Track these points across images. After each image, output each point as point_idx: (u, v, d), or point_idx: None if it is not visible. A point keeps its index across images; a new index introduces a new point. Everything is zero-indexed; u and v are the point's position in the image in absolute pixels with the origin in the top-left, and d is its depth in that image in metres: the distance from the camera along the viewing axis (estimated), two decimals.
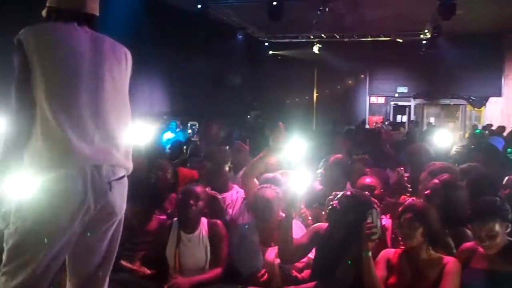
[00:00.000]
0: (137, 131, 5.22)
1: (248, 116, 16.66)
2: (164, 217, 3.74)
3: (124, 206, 2.42)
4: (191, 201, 3.36)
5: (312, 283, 2.96)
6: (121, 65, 2.48)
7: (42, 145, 2.18)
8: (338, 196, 3.07)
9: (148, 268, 3.27)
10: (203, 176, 4.18)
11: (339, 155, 4.30)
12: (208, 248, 3.35)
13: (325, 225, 3.17)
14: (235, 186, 4.07)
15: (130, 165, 2.45)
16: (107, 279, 2.47)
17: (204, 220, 3.44)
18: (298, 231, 3.29)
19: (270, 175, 3.72)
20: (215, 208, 3.66)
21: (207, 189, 3.68)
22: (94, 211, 2.25)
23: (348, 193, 3.09)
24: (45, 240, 2.13)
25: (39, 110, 2.19)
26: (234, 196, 3.98)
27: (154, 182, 4.10)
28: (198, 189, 3.49)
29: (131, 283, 3.30)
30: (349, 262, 2.87)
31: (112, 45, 2.47)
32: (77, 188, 2.18)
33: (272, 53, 18.44)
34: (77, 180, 2.19)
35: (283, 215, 3.31)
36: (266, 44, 17.90)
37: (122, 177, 2.39)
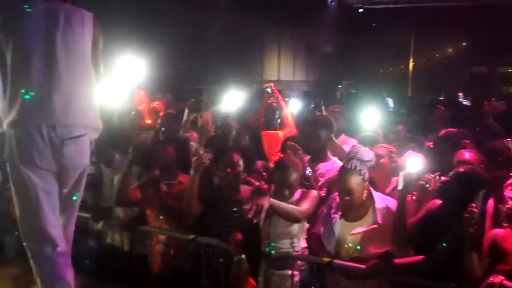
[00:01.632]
0: (230, 97, 5.31)
1: (339, 86, 16.36)
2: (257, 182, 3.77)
3: (83, 161, 2.85)
4: (286, 170, 3.35)
5: (420, 257, 2.88)
6: (77, 30, 2.78)
7: (7, 106, 2.68)
8: (452, 172, 2.95)
9: (241, 232, 3.32)
10: (301, 143, 4.15)
11: (449, 130, 4.08)
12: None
13: (438, 201, 3.07)
14: (333, 159, 3.94)
15: (93, 124, 2.86)
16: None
17: (299, 190, 3.42)
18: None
19: (354, 150, 3.61)
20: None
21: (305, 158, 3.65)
22: (55, 164, 2.71)
23: (461, 169, 2.96)
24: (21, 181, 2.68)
25: (7, 78, 2.69)
26: (329, 166, 3.86)
27: (243, 149, 4.10)
28: (289, 161, 3.44)
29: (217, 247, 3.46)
30: (444, 244, 2.77)
31: (67, 13, 2.77)
32: (35, 144, 2.64)
33: (366, 21, 17.84)
34: (35, 137, 2.64)
35: (375, 193, 3.25)
36: (360, 11, 17.33)
37: (80, 135, 2.77)
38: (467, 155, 3.63)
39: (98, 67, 2.97)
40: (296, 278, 3.26)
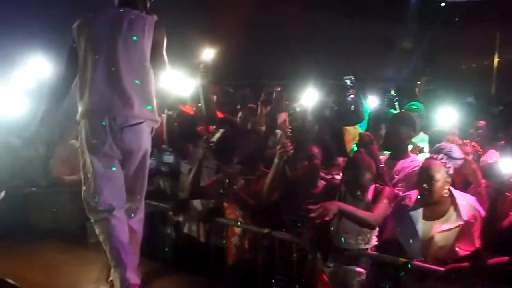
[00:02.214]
0: (308, 94, 5.31)
1: (418, 82, 15.79)
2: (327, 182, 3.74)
3: (142, 145, 3.20)
4: (358, 170, 3.29)
5: (505, 258, 2.75)
6: (137, 34, 3.14)
7: (78, 99, 3.19)
8: None
9: (314, 228, 3.33)
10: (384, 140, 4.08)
11: None
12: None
13: None
14: (413, 156, 3.87)
15: (149, 115, 3.19)
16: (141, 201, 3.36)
17: (371, 187, 3.36)
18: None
19: (445, 144, 3.49)
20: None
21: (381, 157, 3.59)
22: (117, 149, 3.12)
23: None
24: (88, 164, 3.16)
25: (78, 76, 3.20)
26: (406, 164, 3.78)
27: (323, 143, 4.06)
28: (361, 160, 3.35)
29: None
30: None
31: (130, 20, 3.16)
32: (98, 131, 3.09)
33: (448, 14, 17.09)
34: (99, 127, 3.09)
35: (454, 191, 3.12)
36: (442, 4, 16.62)
37: (136, 123, 3.14)
38: None
39: (161, 65, 3.28)
40: (364, 276, 3.19)
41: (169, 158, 4.55)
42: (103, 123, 3.10)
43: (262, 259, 3.67)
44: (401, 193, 3.48)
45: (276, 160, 3.50)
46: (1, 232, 4.57)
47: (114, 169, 3.19)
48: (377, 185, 3.38)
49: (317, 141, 3.74)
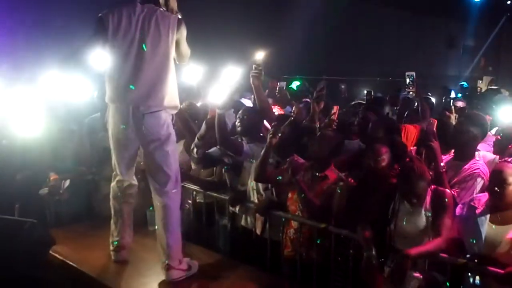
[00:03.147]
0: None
1: (480, 81, 15.25)
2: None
3: (161, 131, 3.53)
4: (412, 180, 3.23)
5: None
6: (162, 33, 3.45)
7: (107, 89, 3.61)
8: None
9: (373, 227, 3.29)
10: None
11: None
12: (429, 216, 3.21)
13: None
14: (477, 158, 3.71)
15: (169, 103, 3.53)
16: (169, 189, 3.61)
17: (430, 190, 3.29)
18: None
19: None
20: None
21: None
22: (137, 134, 3.52)
23: None
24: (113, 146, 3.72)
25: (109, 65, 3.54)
26: (467, 166, 3.65)
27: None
28: (414, 169, 3.26)
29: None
30: None
31: (157, 18, 3.45)
32: (123, 117, 3.52)
33: None
34: (123, 112, 3.51)
35: None
36: (508, 2, 15.93)
37: (157, 111, 3.50)
38: None
39: (182, 58, 3.71)
40: (421, 281, 3.08)
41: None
42: (127, 110, 3.50)
43: (318, 254, 3.68)
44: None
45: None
46: (66, 218, 4.79)
47: (131, 150, 3.71)
48: (436, 187, 3.31)
49: (384, 141, 3.68)
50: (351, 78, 10.19)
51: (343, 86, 4.67)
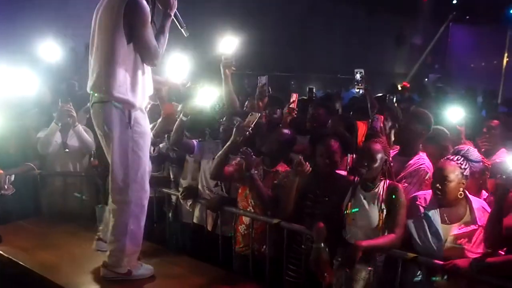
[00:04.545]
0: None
1: (426, 79, 15.76)
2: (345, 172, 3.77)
3: (104, 126, 3.28)
4: (365, 161, 3.31)
5: (502, 258, 2.83)
6: (109, 13, 3.16)
7: None
8: None
9: (325, 220, 3.35)
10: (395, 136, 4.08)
11: None
12: (383, 209, 3.26)
13: None
14: (421, 154, 3.83)
15: (111, 97, 3.23)
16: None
17: (383, 181, 3.36)
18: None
19: (463, 146, 3.48)
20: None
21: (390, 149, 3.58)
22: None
23: None
24: None
25: None
26: (413, 161, 3.75)
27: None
28: (375, 147, 3.35)
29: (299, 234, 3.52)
30: None
31: (107, 2, 3.20)
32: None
33: (459, 12, 16.97)
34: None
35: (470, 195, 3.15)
36: (454, 2, 16.51)
37: (98, 102, 3.29)
38: None
39: (141, 48, 3.24)
40: (371, 273, 3.17)
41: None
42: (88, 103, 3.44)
43: (270, 249, 3.73)
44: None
45: (291, 176, 3.56)
46: (13, 214, 4.65)
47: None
48: (390, 182, 3.38)
49: (335, 135, 3.73)
50: (297, 74, 10.34)
51: (263, 78, 4.64)
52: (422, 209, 3.23)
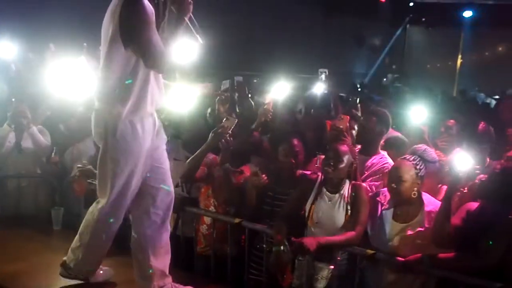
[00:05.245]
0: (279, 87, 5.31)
1: (384, 79, 16.10)
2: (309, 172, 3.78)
3: (95, 136, 3.04)
4: (331, 161, 3.33)
5: (451, 254, 2.88)
6: (108, 16, 2.84)
7: None
8: (489, 170, 2.91)
9: (288, 222, 3.34)
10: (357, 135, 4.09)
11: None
12: (348, 210, 3.28)
13: (475, 204, 3.02)
14: (382, 153, 3.89)
15: (97, 102, 2.98)
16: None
17: (348, 182, 3.39)
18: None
19: (420, 146, 3.55)
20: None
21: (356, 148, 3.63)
22: None
23: (498, 166, 2.90)
24: None
25: None
26: (376, 160, 3.81)
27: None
28: (342, 148, 3.38)
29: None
30: (490, 243, 2.74)
31: (112, 5, 2.84)
32: None
33: (416, 14, 17.41)
34: None
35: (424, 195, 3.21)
36: (411, 4, 16.90)
37: (95, 109, 3.01)
38: None
39: (139, 52, 2.86)
40: (334, 271, 3.21)
41: None
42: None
43: (232, 249, 3.71)
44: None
45: (248, 186, 3.58)
46: None
47: None
48: (354, 182, 3.41)
49: (298, 135, 3.75)
50: (258, 75, 10.34)
51: (226, 83, 4.61)
52: (380, 206, 3.28)
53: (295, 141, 3.60)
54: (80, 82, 4.30)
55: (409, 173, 3.13)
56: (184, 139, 4.10)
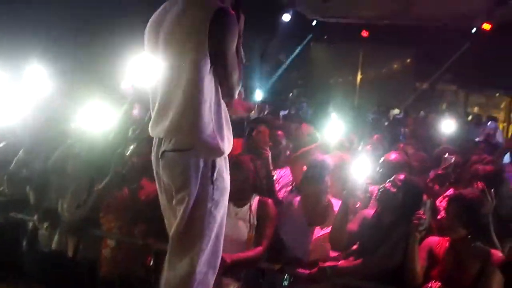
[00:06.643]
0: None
1: (291, 94, 16.59)
2: None
3: (178, 183, 2.34)
4: (239, 175, 3.29)
5: (358, 261, 2.99)
6: (187, 29, 2.29)
7: None
8: (391, 179, 3.06)
9: None
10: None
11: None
12: (254, 225, 3.30)
13: (371, 211, 3.17)
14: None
15: (186, 140, 2.32)
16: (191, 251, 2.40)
17: (255, 197, 3.41)
18: None
19: (319, 158, 3.69)
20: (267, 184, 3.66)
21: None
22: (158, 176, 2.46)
23: (401, 177, 3.07)
24: None
25: None
26: (283, 173, 3.98)
27: None
28: (248, 161, 3.42)
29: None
30: (388, 249, 2.90)
31: (177, 11, 2.35)
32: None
33: (318, 32, 18.15)
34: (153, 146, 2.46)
35: (332, 199, 3.33)
36: (314, 23, 17.58)
37: (168, 150, 2.34)
38: (392, 156, 3.78)
39: (228, 86, 2.43)
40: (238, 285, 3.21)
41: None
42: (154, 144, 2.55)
43: (138, 272, 3.59)
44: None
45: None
46: None
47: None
48: (261, 197, 3.44)
49: None
50: None
51: None
52: (293, 213, 3.39)
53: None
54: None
55: (316, 186, 3.34)
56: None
